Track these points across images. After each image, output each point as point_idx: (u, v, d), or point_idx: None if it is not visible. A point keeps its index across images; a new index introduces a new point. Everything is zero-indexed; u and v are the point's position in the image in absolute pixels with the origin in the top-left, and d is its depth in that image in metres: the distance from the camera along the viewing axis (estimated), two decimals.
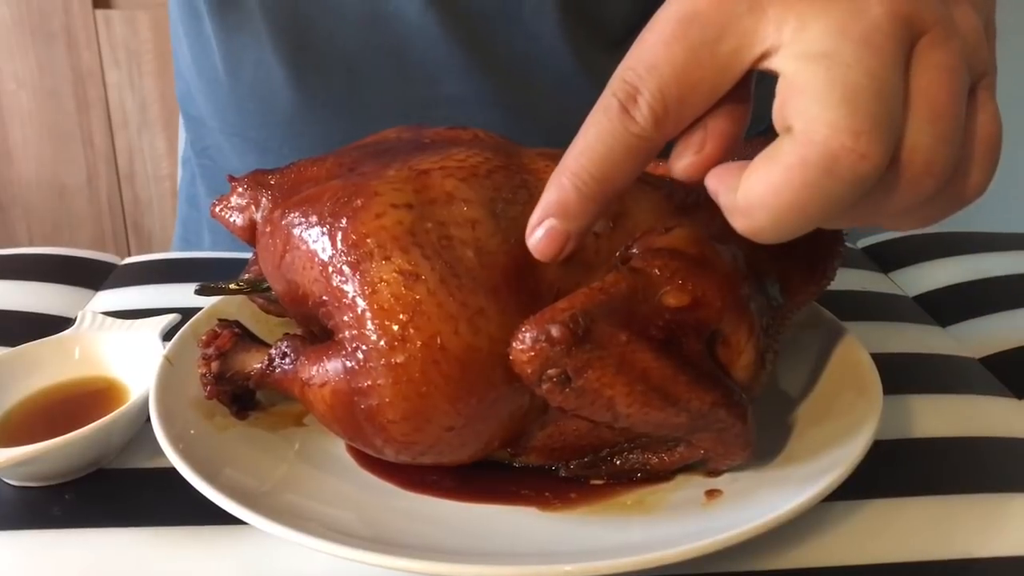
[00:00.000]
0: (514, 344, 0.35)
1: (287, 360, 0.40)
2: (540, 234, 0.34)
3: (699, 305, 0.37)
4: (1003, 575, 0.38)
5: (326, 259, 0.37)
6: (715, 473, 0.40)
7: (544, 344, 0.34)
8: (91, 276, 0.65)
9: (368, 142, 0.45)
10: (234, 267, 0.52)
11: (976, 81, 0.30)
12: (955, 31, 0.29)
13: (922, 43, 0.28)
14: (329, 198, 0.38)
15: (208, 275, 0.56)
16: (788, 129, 0.28)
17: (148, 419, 0.41)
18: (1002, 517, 0.40)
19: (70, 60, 1.65)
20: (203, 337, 0.42)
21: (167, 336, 0.48)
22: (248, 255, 0.57)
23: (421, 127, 0.46)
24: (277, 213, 0.40)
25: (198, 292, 0.46)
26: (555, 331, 0.34)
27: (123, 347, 0.49)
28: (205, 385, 0.42)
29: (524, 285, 0.37)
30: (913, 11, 0.28)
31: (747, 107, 0.31)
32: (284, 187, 0.42)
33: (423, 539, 0.36)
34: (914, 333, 0.57)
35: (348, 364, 0.36)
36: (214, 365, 0.42)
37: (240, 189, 0.44)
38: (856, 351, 0.46)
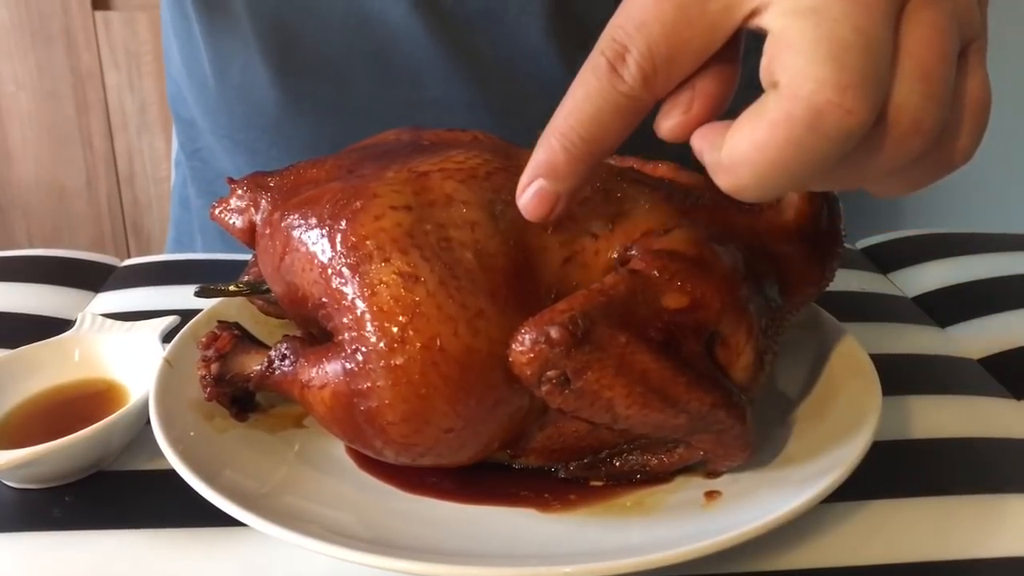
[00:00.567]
0: (513, 346, 0.35)
1: (287, 362, 0.40)
2: (530, 194, 0.34)
3: (698, 306, 0.37)
4: None
5: (325, 261, 0.37)
6: (714, 474, 0.40)
7: (543, 346, 0.34)
8: (91, 278, 0.65)
9: (367, 144, 0.45)
10: (234, 269, 0.52)
11: (967, 44, 0.30)
12: None
13: (913, 2, 0.28)
14: (328, 200, 0.38)
15: (208, 277, 0.56)
16: (774, 85, 0.28)
17: (148, 421, 0.41)
18: (1001, 517, 0.40)
19: (69, 62, 1.64)
20: (203, 339, 0.42)
21: (167, 338, 0.48)
22: (246, 257, 0.57)
23: (420, 129, 0.46)
24: (276, 215, 0.40)
25: (198, 294, 0.46)
26: (554, 333, 0.34)
27: (123, 349, 0.49)
28: (205, 387, 0.42)
29: (523, 287, 0.37)
30: None
31: (736, 68, 0.31)
32: (283, 189, 0.42)
33: (422, 541, 0.36)
34: (913, 334, 0.57)
35: (348, 366, 0.36)
36: (214, 367, 0.42)
37: (239, 191, 0.44)
38: (855, 352, 0.46)
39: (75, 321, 0.51)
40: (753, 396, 0.40)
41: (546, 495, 0.39)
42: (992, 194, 1.26)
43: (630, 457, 0.40)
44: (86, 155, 1.72)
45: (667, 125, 0.32)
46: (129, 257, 0.70)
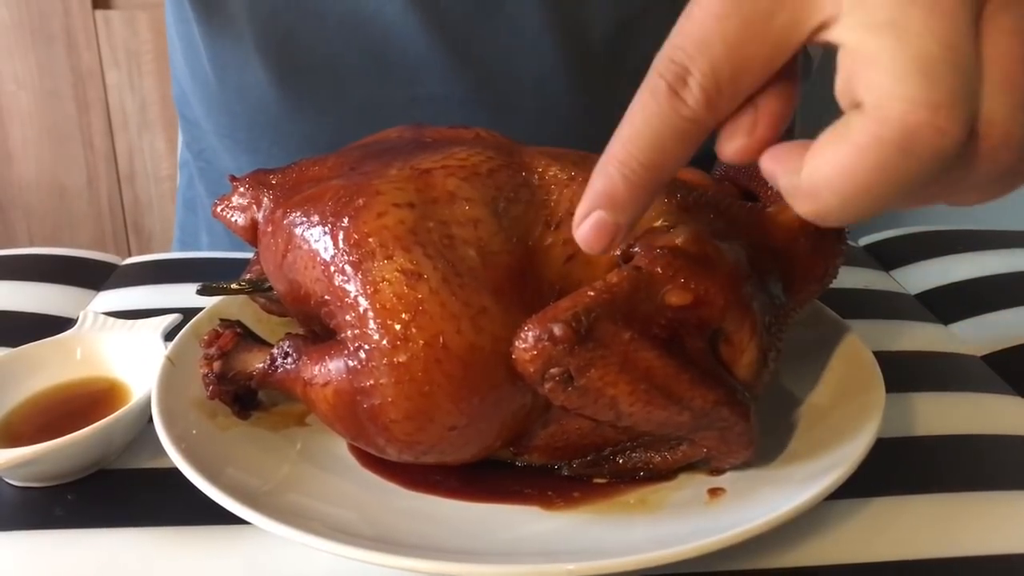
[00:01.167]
0: (516, 343, 0.35)
1: (289, 360, 0.40)
2: (588, 226, 0.32)
3: (702, 304, 0.37)
4: (1007, 573, 0.38)
5: (328, 258, 0.37)
6: (718, 472, 0.40)
7: (547, 343, 0.34)
8: (92, 276, 0.65)
9: (369, 141, 0.45)
10: (235, 267, 0.52)
11: None
12: None
13: (990, 7, 0.26)
14: (331, 197, 0.38)
15: (209, 275, 0.56)
16: (857, 105, 0.26)
17: (150, 419, 0.41)
18: (1005, 514, 0.40)
19: (70, 61, 1.64)
20: (205, 337, 0.42)
21: (169, 336, 0.48)
22: (249, 255, 0.57)
23: (422, 126, 0.46)
24: (279, 212, 0.40)
25: (200, 292, 0.46)
26: (557, 330, 0.34)
27: (125, 347, 0.49)
28: (207, 385, 0.42)
29: (526, 284, 0.37)
30: None
31: (796, 84, 0.30)
32: (286, 187, 0.42)
33: (425, 538, 0.36)
34: (916, 331, 0.57)
35: (350, 363, 0.36)
36: (216, 365, 0.41)
37: (241, 189, 0.43)
38: (858, 349, 0.46)
39: (77, 319, 0.51)
40: (757, 393, 0.40)
41: (549, 492, 0.39)
42: None
43: (633, 454, 0.40)
44: (87, 154, 1.72)
45: (732, 148, 0.30)
46: (130, 256, 0.70)
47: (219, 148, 0.74)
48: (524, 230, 0.38)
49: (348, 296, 0.36)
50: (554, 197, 0.39)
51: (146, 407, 0.42)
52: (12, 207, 1.77)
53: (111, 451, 0.43)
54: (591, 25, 0.64)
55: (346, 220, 0.37)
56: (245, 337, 0.42)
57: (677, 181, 0.43)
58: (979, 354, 0.55)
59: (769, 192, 0.43)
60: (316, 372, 0.38)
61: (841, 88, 0.27)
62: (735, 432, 0.37)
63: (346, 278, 0.37)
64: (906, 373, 0.50)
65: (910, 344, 0.55)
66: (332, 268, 0.37)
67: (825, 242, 0.42)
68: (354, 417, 0.37)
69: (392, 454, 0.38)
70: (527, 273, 0.38)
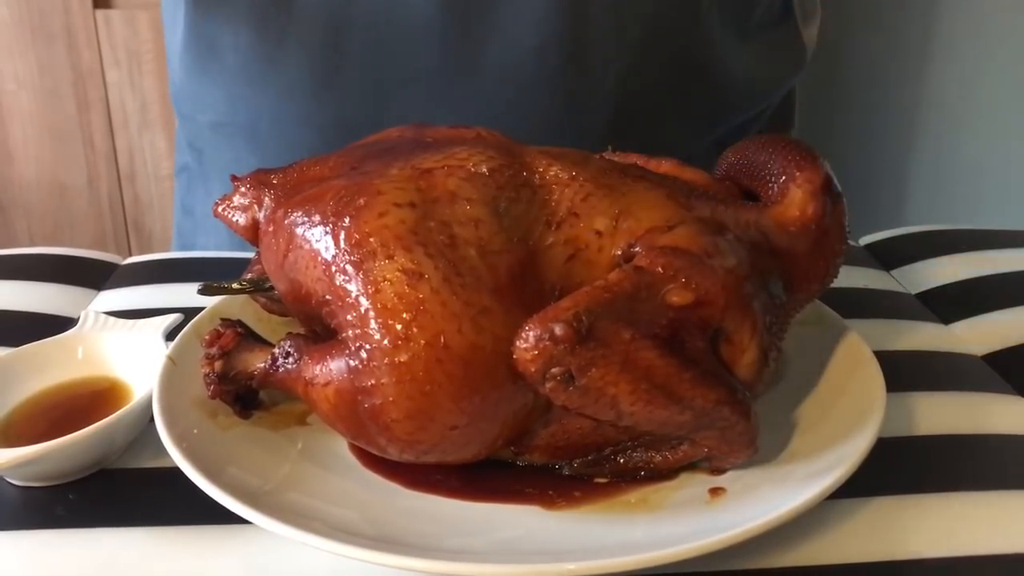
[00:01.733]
0: (518, 343, 0.35)
1: (290, 359, 0.40)
2: None
3: (702, 303, 0.37)
4: (1008, 572, 0.38)
5: (329, 258, 0.37)
6: (719, 471, 0.40)
7: (548, 343, 0.34)
8: (93, 276, 0.65)
9: (370, 141, 0.45)
10: (236, 267, 0.52)
11: None
12: None
13: None
14: (332, 197, 0.38)
15: (210, 275, 0.56)
16: None
17: (151, 419, 0.41)
18: (1005, 514, 0.40)
19: (70, 60, 1.64)
20: (206, 337, 0.42)
21: (170, 336, 0.48)
22: (249, 254, 0.57)
23: (423, 126, 0.46)
24: (280, 212, 0.40)
25: (201, 292, 0.46)
26: (558, 329, 0.34)
27: (126, 347, 0.49)
28: (208, 384, 0.42)
29: (527, 284, 0.37)
30: None
31: None
32: (287, 186, 0.42)
33: (426, 538, 0.36)
34: (916, 330, 0.57)
35: (351, 363, 0.36)
36: (217, 365, 0.42)
37: (243, 188, 0.44)
38: (859, 349, 0.46)
39: (78, 319, 0.51)
40: (757, 393, 0.40)
41: (550, 492, 0.39)
42: (995, 190, 1.26)
43: (634, 454, 0.40)
44: (87, 153, 1.72)
45: None
46: (130, 255, 0.70)
47: (219, 141, 0.73)
48: (525, 230, 0.38)
49: (349, 296, 0.37)
50: (555, 197, 0.39)
51: (147, 407, 0.42)
52: (12, 206, 1.77)
53: (112, 451, 0.43)
54: None
55: (347, 220, 0.37)
56: (246, 337, 0.43)
57: (678, 181, 0.43)
58: (979, 354, 0.55)
59: (770, 192, 0.43)
60: (317, 372, 0.38)
61: None
62: (736, 431, 0.37)
63: (347, 278, 0.37)
64: (906, 373, 0.50)
65: (910, 344, 0.55)
66: (333, 268, 0.37)
67: (826, 242, 0.42)
68: (355, 417, 0.37)
69: (393, 453, 0.38)
70: (528, 273, 0.38)
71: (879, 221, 0.83)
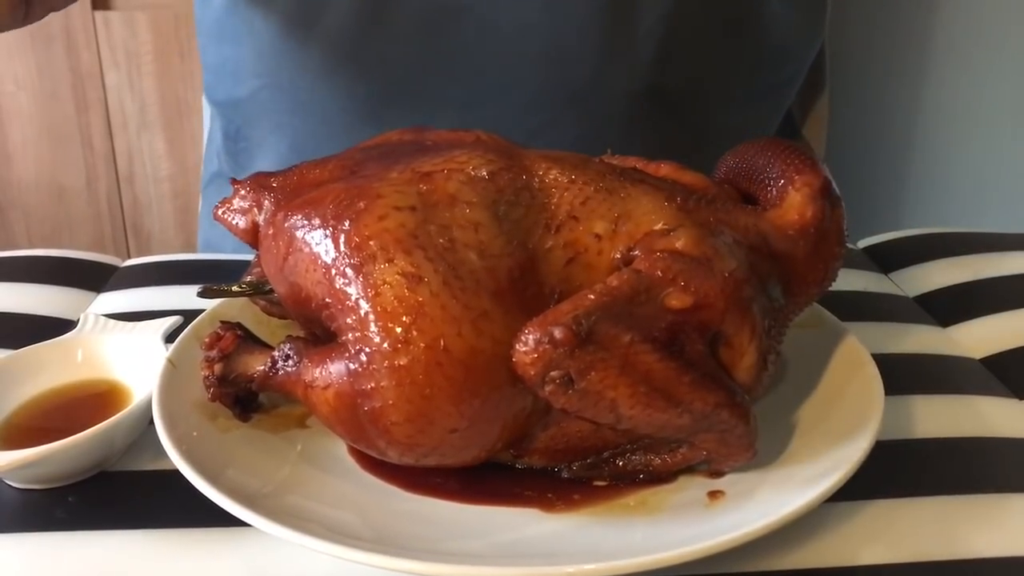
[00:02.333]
0: (517, 346, 0.35)
1: (290, 362, 0.40)
2: None
3: (701, 307, 0.37)
4: (1006, 575, 0.38)
5: (329, 261, 0.37)
6: (717, 474, 0.40)
7: (547, 346, 0.34)
8: (92, 278, 0.65)
9: (370, 144, 0.45)
10: (236, 269, 0.52)
11: None
12: None
13: None
14: (332, 200, 0.39)
15: (210, 277, 0.56)
16: None
17: (151, 422, 0.41)
18: (1003, 517, 0.40)
19: (69, 62, 1.64)
20: (206, 339, 0.42)
21: (170, 338, 0.48)
22: (249, 257, 0.57)
23: (423, 129, 0.46)
24: (280, 215, 0.40)
25: (200, 294, 0.46)
26: (558, 333, 0.34)
27: (125, 350, 0.49)
28: (208, 387, 0.42)
29: (527, 287, 0.37)
30: None
31: None
32: (287, 189, 0.42)
33: (426, 541, 0.36)
34: (914, 333, 0.57)
35: (351, 366, 0.36)
36: (217, 367, 0.42)
37: (243, 192, 0.44)
38: (857, 352, 0.46)
39: (77, 321, 0.51)
40: (756, 396, 0.40)
41: (549, 495, 0.39)
42: (993, 193, 1.26)
43: (633, 457, 0.40)
44: (86, 155, 1.72)
45: None
46: (129, 257, 0.70)
47: (258, 116, 0.74)
48: (525, 233, 0.38)
49: (349, 299, 0.37)
50: (554, 200, 0.39)
51: (147, 409, 0.42)
52: (11, 208, 1.77)
53: (112, 453, 0.43)
54: None
55: (347, 223, 0.37)
56: (246, 339, 0.43)
57: (677, 184, 0.43)
58: (977, 357, 0.55)
59: (769, 195, 0.43)
60: (317, 375, 0.38)
61: None
62: (735, 435, 0.38)
63: (347, 281, 0.37)
64: (904, 376, 0.50)
65: (908, 347, 0.55)
66: (333, 271, 0.37)
67: (824, 245, 0.42)
68: (355, 420, 0.37)
69: (393, 456, 0.38)
70: (528, 276, 0.38)
71: (877, 224, 0.83)
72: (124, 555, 0.38)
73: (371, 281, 0.36)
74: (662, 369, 0.36)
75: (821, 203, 0.42)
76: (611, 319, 0.35)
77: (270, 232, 0.41)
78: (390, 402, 0.36)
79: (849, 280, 0.64)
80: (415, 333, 0.35)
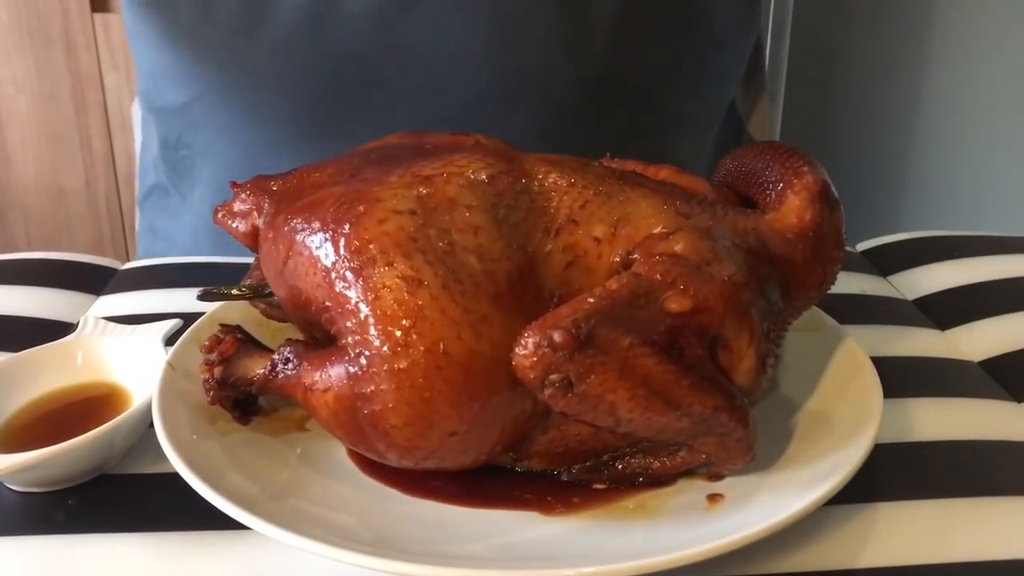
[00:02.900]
0: (517, 349, 0.35)
1: (290, 365, 0.40)
2: None
3: (700, 310, 0.37)
4: None
5: (329, 265, 0.37)
6: (717, 477, 0.40)
7: (547, 349, 0.34)
8: (92, 281, 0.65)
9: (369, 148, 0.45)
10: (236, 272, 0.52)
11: None
12: None
13: None
14: (332, 204, 0.39)
15: (210, 280, 0.56)
16: None
17: (151, 424, 0.41)
18: (1002, 519, 0.41)
19: (68, 64, 1.64)
20: (206, 343, 0.42)
21: (169, 341, 0.48)
22: (249, 260, 0.57)
23: (422, 133, 0.46)
24: (280, 219, 0.40)
25: (200, 297, 0.46)
26: (557, 336, 0.34)
27: (125, 353, 0.49)
28: (208, 390, 0.42)
29: (526, 290, 0.37)
30: None
31: None
32: (287, 193, 0.42)
33: (425, 544, 0.36)
34: (913, 336, 0.57)
35: (351, 369, 0.36)
36: (217, 370, 0.42)
37: (243, 195, 0.44)
38: (856, 355, 0.46)
39: (77, 324, 0.51)
40: (755, 399, 0.41)
41: (549, 498, 0.39)
42: (993, 196, 1.27)
43: (632, 460, 0.40)
44: (85, 157, 1.72)
45: None
46: (128, 259, 0.70)
47: (202, 120, 0.73)
48: (524, 237, 0.39)
49: (349, 302, 0.37)
50: (554, 204, 0.40)
51: (147, 412, 0.42)
52: (10, 209, 1.77)
53: (112, 456, 0.43)
54: None
55: (347, 226, 0.37)
56: (246, 343, 0.43)
57: (676, 188, 0.43)
58: (976, 360, 0.55)
59: (768, 199, 0.43)
60: (317, 378, 0.38)
61: None
62: (734, 438, 0.38)
63: (347, 284, 0.37)
64: (903, 379, 0.50)
65: (907, 350, 0.55)
66: (333, 274, 0.37)
67: (823, 248, 0.43)
68: (354, 423, 0.37)
69: (392, 459, 0.38)
70: (527, 279, 0.38)
71: (876, 227, 0.83)
72: (124, 558, 0.38)
73: (371, 284, 0.36)
74: (661, 372, 0.36)
75: (820, 206, 0.42)
76: (610, 322, 0.35)
77: (270, 235, 0.41)
78: (390, 405, 0.36)
79: (848, 283, 0.64)
80: (415, 336, 0.35)
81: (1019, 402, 0.50)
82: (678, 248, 0.38)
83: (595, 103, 0.72)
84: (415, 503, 0.39)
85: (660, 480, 0.40)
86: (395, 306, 0.36)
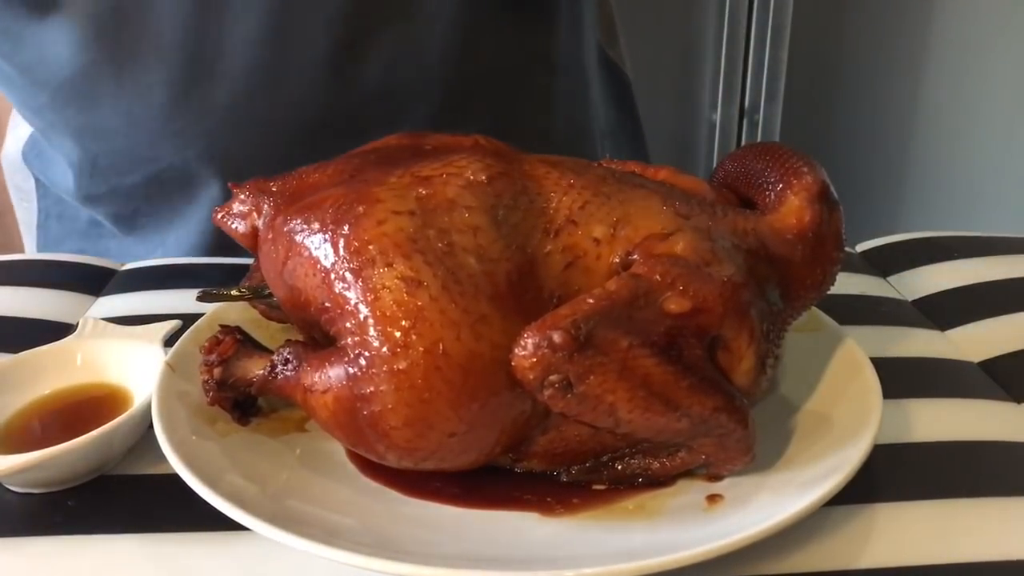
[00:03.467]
0: (516, 350, 0.35)
1: (289, 366, 0.40)
2: None
3: (700, 311, 0.37)
4: None
5: (328, 266, 0.37)
6: (716, 478, 0.40)
7: (546, 350, 0.34)
8: (91, 281, 0.65)
9: (368, 149, 0.46)
10: (236, 273, 0.52)
11: None
12: None
13: None
14: (331, 205, 0.39)
15: (209, 281, 0.56)
16: None
17: (150, 425, 0.41)
18: (1002, 521, 0.41)
19: None
20: (205, 343, 0.42)
21: (169, 342, 0.48)
22: (248, 261, 0.57)
23: (421, 134, 0.46)
24: (279, 220, 0.40)
25: (200, 298, 0.46)
26: (557, 337, 0.34)
27: (125, 353, 0.49)
28: (207, 391, 0.42)
29: (526, 291, 0.37)
30: None
31: None
32: (286, 194, 0.43)
33: (425, 545, 0.36)
34: (913, 337, 0.57)
35: (350, 370, 0.36)
36: (216, 371, 0.42)
37: (242, 196, 0.44)
38: (856, 355, 0.46)
39: (76, 325, 0.51)
40: (755, 400, 0.41)
41: (548, 499, 0.39)
42: (992, 197, 1.27)
43: (632, 461, 0.40)
44: None
45: None
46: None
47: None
48: (523, 237, 0.39)
49: (348, 303, 0.37)
50: (553, 204, 0.40)
51: (146, 413, 0.42)
52: (9, 211, 1.77)
53: (111, 457, 0.43)
54: None
55: (346, 227, 0.37)
56: (245, 343, 0.43)
57: (675, 188, 0.43)
58: (976, 360, 0.55)
59: (767, 199, 0.43)
60: (316, 379, 0.38)
61: None
62: (733, 438, 0.38)
63: (346, 285, 0.37)
64: (903, 379, 0.50)
65: (907, 350, 0.55)
66: (332, 275, 0.37)
67: (823, 249, 0.43)
68: (354, 424, 0.37)
69: (392, 461, 0.38)
70: (526, 280, 0.38)
71: (876, 228, 0.83)
72: (123, 559, 0.38)
73: (370, 285, 0.36)
74: (661, 373, 0.36)
75: (819, 207, 0.42)
76: (610, 323, 0.35)
77: (269, 236, 0.41)
78: (389, 406, 0.36)
79: (848, 284, 0.64)
80: (414, 337, 0.35)
81: (1019, 403, 0.50)
82: (678, 249, 0.38)
83: (442, 110, 0.74)
84: (415, 504, 0.39)
85: (660, 481, 0.40)
86: (394, 307, 0.36)
